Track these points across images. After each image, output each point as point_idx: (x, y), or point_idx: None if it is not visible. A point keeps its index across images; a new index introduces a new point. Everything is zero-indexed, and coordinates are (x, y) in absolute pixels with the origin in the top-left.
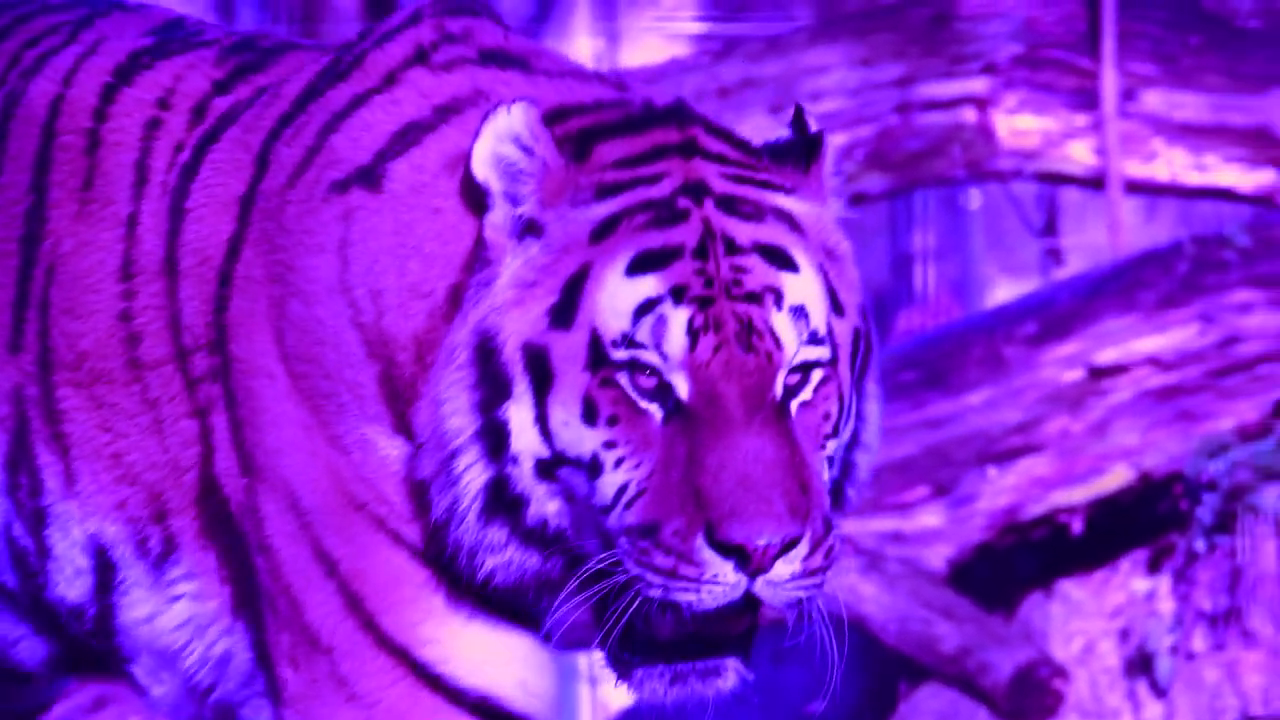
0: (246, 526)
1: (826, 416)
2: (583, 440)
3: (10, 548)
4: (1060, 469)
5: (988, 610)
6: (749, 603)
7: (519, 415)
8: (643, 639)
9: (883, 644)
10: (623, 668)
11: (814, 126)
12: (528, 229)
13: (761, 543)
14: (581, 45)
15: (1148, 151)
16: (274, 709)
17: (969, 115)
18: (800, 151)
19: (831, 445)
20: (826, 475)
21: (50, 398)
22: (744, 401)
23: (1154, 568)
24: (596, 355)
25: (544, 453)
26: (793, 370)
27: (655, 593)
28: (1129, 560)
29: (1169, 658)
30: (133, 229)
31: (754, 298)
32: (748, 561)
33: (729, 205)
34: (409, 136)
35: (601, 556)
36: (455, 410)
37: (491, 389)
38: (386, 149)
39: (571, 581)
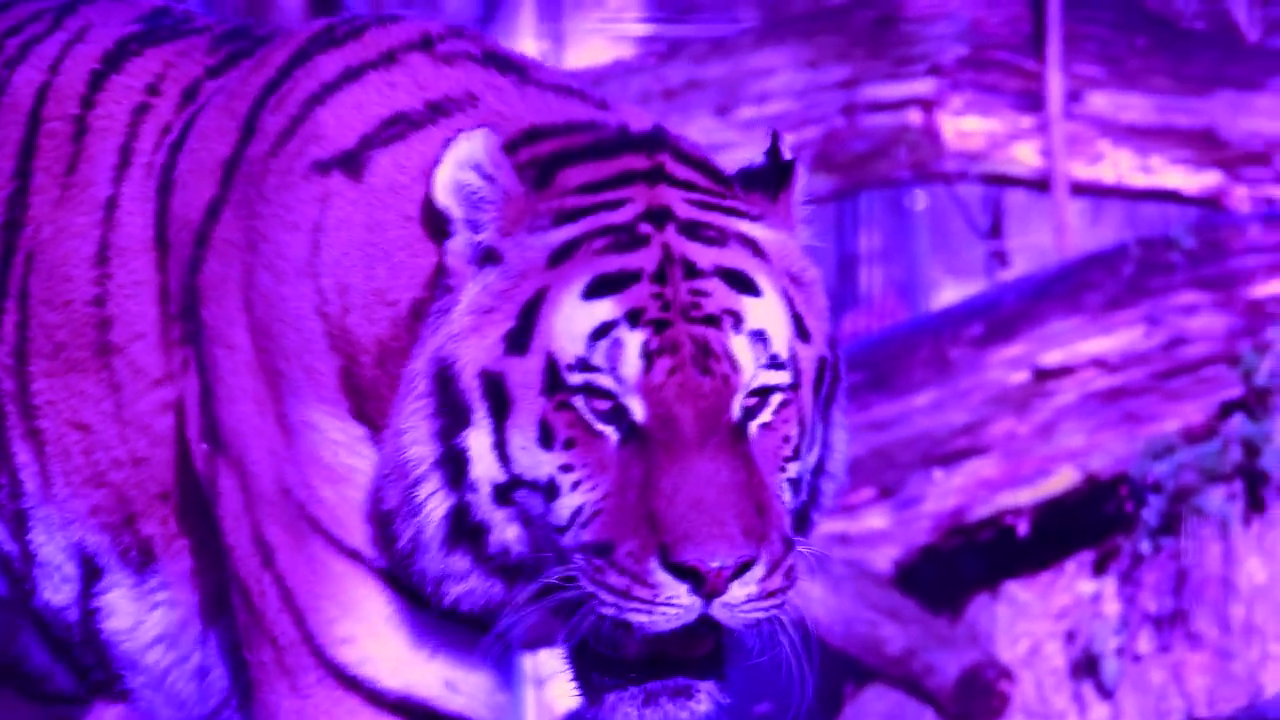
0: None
1: (786, 440)
2: (539, 464)
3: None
4: (1006, 471)
5: (934, 612)
6: (709, 625)
7: (478, 442)
8: (611, 661)
9: (828, 645)
10: (592, 692)
11: (787, 154)
12: (487, 256)
13: (715, 565)
14: (527, 47)
15: (1093, 153)
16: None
17: (914, 117)
18: (771, 178)
19: (793, 468)
20: (789, 497)
21: (26, 391)
22: (699, 424)
23: (1100, 570)
24: (552, 380)
25: (501, 477)
26: (752, 393)
27: (609, 610)
28: (1075, 562)
29: (1115, 659)
30: (111, 212)
31: (712, 321)
32: (702, 584)
33: (691, 230)
34: (397, 128)
35: (557, 570)
36: (416, 439)
37: (451, 417)
38: (373, 135)
39: (524, 594)
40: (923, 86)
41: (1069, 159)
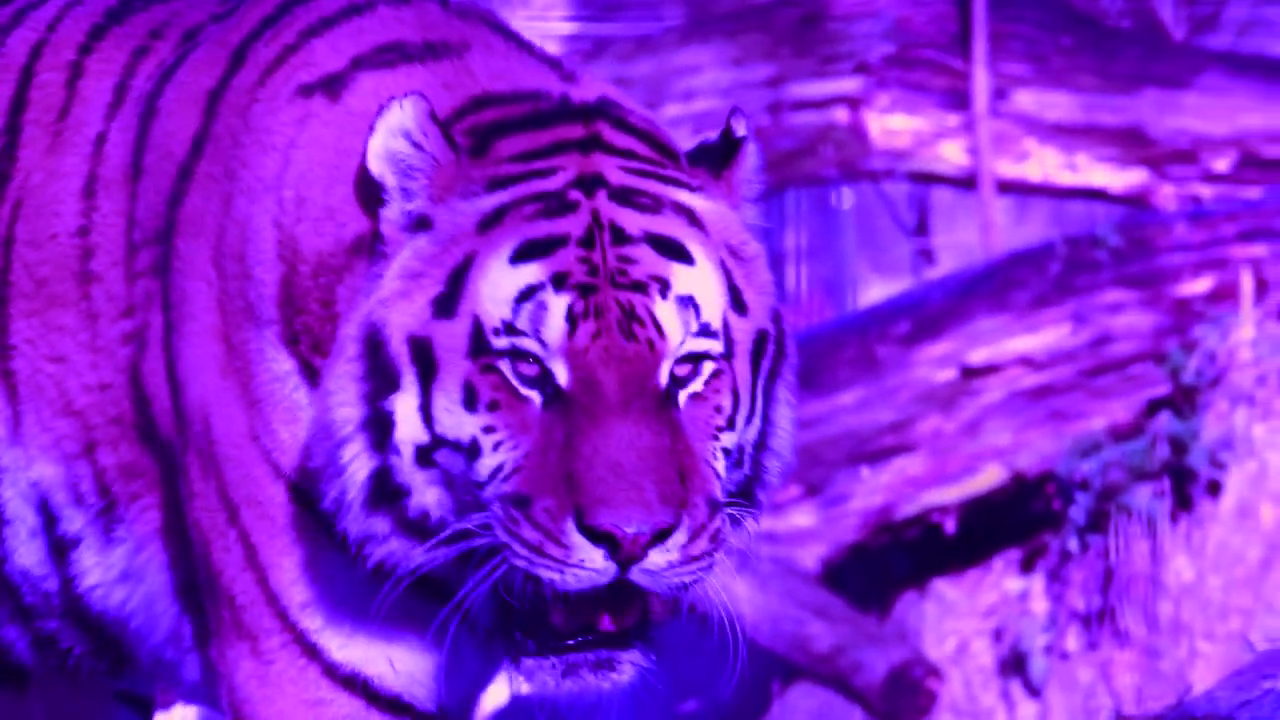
0: (170, 438)
1: (718, 409)
2: (462, 425)
3: None
4: (933, 468)
5: (861, 610)
6: (633, 591)
7: (404, 405)
8: (536, 629)
9: (756, 644)
10: (514, 657)
11: (739, 132)
12: (419, 223)
13: (630, 531)
14: None
15: (1019, 151)
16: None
17: (841, 115)
18: (718, 154)
19: (727, 438)
20: (722, 465)
21: (4, 332)
22: (623, 389)
23: (1027, 567)
24: (478, 343)
25: (423, 439)
26: (681, 360)
27: (520, 563)
28: (1002, 560)
29: (1042, 657)
30: (100, 146)
31: (639, 286)
32: (618, 549)
33: (623, 197)
34: (389, 56)
35: (472, 517)
36: (343, 401)
37: (380, 381)
38: (364, 58)
39: (434, 540)
40: (849, 85)
41: (995, 157)
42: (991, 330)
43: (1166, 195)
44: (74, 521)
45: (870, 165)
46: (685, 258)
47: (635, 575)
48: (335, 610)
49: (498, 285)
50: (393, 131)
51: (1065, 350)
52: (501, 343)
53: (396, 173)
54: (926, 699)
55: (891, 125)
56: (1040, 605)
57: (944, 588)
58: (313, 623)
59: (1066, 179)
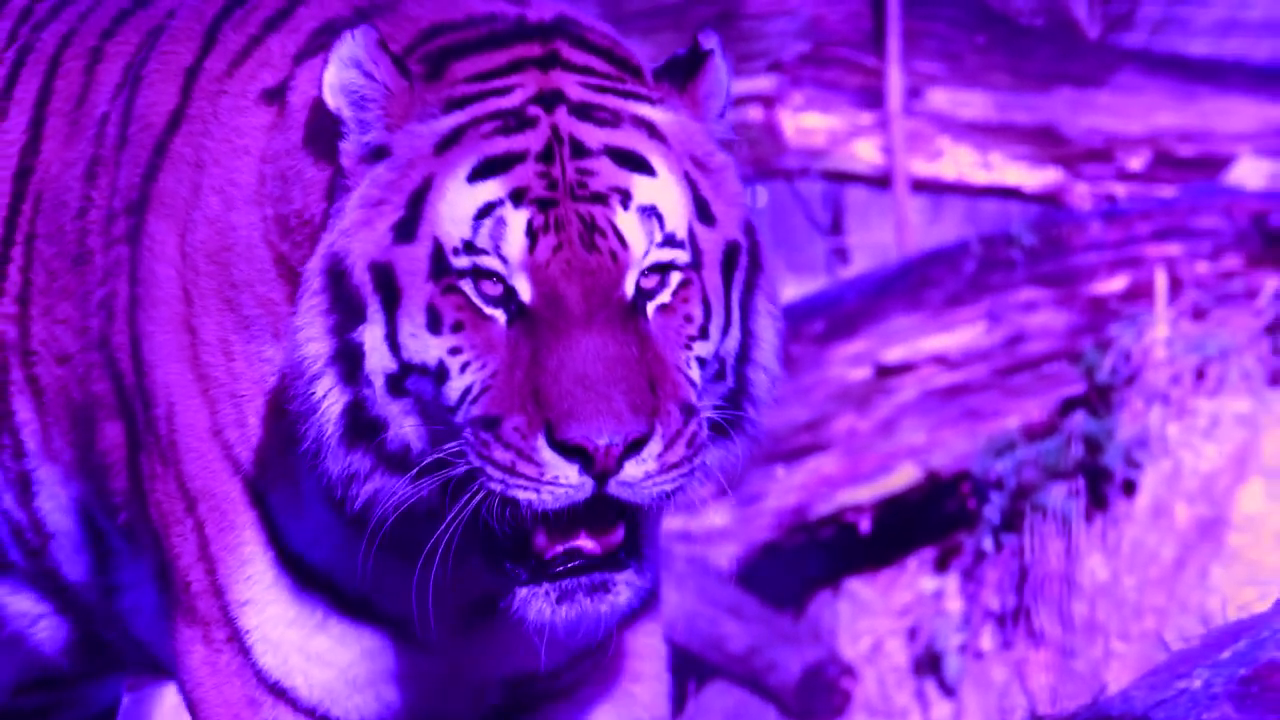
0: (136, 414)
1: (689, 319)
2: (428, 348)
3: (7, 521)
4: (848, 467)
5: (776, 609)
6: (614, 506)
7: (372, 335)
8: (526, 558)
9: (671, 643)
10: (505, 589)
11: (706, 46)
12: (376, 153)
13: (602, 442)
14: None
15: (934, 150)
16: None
17: (755, 113)
18: (684, 68)
19: (701, 347)
20: (698, 372)
21: (27, 337)
22: (587, 301)
23: (942, 567)
24: (439, 264)
25: (393, 367)
26: (648, 272)
27: (495, 486)
28: (917, 559)
29: (957, 657)
30: (103, 126)
31: (599, 198)
32: (591, 463)
33: (583, 112)
34: (321, 39)
35: (446, 446)
36: (311, 337)
37: (345, 312)
38: (302, 52)
39: (411, 473)
40: (763, 83)
41: (909, 156)
42: (906, 329)
43: (1081, 194)
44: (111, 534)
45: (785, 164)
46: (646, 169)
47: (614, 489)
48: (268, 614)
49: (456, 205)
50: (344, 62)
51: (980, 349)
52: (462, 262)
53: (351, 104)
54: (841, 698)
55: (806, 124)
56: (955, 604)
57: (858, 587)
58: (248, 623)
59: (981, 178)
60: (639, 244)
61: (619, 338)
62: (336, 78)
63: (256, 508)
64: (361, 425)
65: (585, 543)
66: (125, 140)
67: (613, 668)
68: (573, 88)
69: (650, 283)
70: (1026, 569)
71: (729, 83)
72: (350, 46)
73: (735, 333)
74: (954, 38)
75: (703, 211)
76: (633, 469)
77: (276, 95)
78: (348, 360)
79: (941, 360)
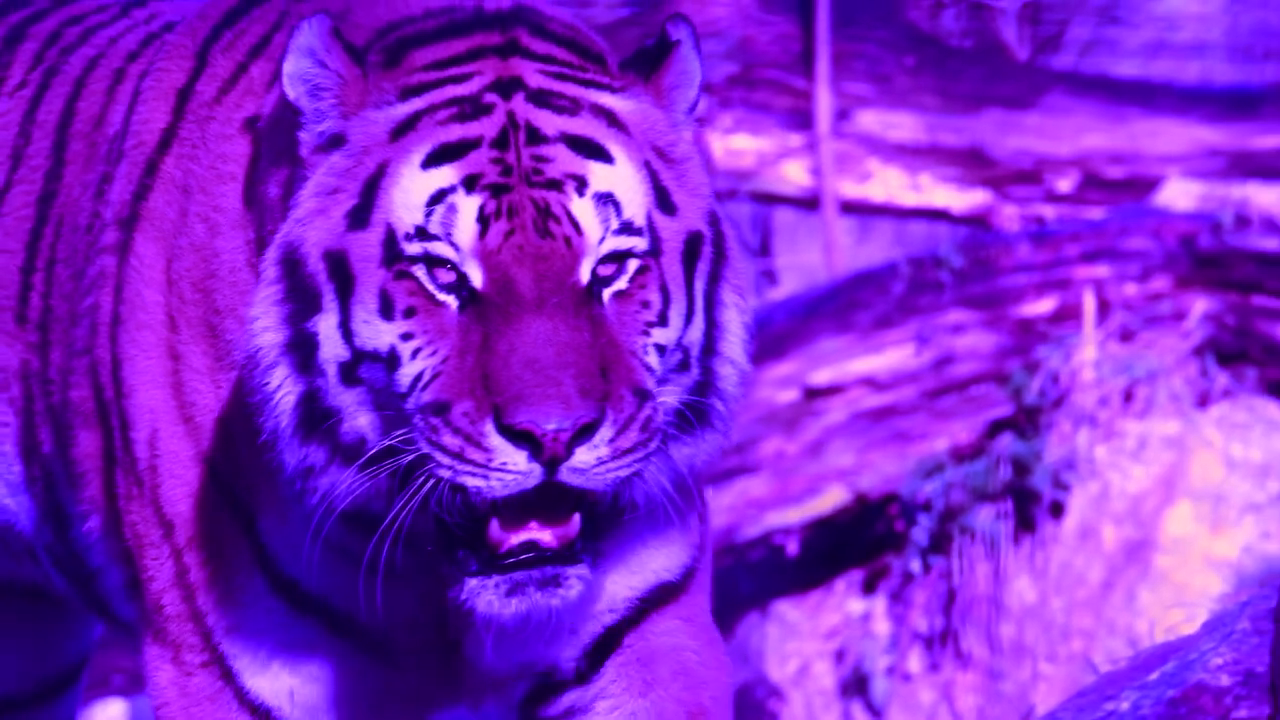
0: (114, 429)
1: (646, 304)
2: (380, 334)
3: (49, 554)
4: (776, 490)
5: None
6: (566, 494)
7: (326, 324)
8: (478, 548)
9: None
10: (455, 579)
11: (674, 36)
12: (332, 141)
13: (550, 427)
14: None
15: (862, 172)
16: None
17: None
18: (651, 58)
19: (659, 334)
20: (655, 359)
21: (47, 365)
22: (538, 286)
23: (869, 589)
24: (391, 251)
25: (345, 355)
26: (605, 260)
27: (444, 473)
28: (844, 581)
29: (884, 679)
30: (116, 144)
31: (554, 184)
32: (540, 450)
33: (541, 99)
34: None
35: (395, 434)
36: (265, 326)
37: (300, 302)
38: (272, 79)
39: (361, 460)
40: None
41: (838, 177)
42: (834, 351)
43: (1009, 216)
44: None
45: (713, 185)
46: (603, 156)
47: (565, 475)
48: (252, 638)
49: (409, 191)
50: (299, 51)
51: (908, 371)
52: (414, 248)
53: (306, 93)
54: None
55: (734, 145)
56: (882, 626)
57: (786, 609)
58: (232, 648)
59: (909, 199)
60: (594, 230)
61: (571, 323)
62: (293, 67)
63: (245, 535)
64: (316, 416)
65: (541, 534)
66: (121, 154)
67: (642, 674)
68: (531, 75)
69: (607, 270)
70: (954, 591)
71: (699, 74)
72: (305, 36)
73: (699, 322)
74: (883, 59)
75: (663, 200)
76: (584, 455)
77: (253, 124)
78: (302, 350)
79: (870, 382)
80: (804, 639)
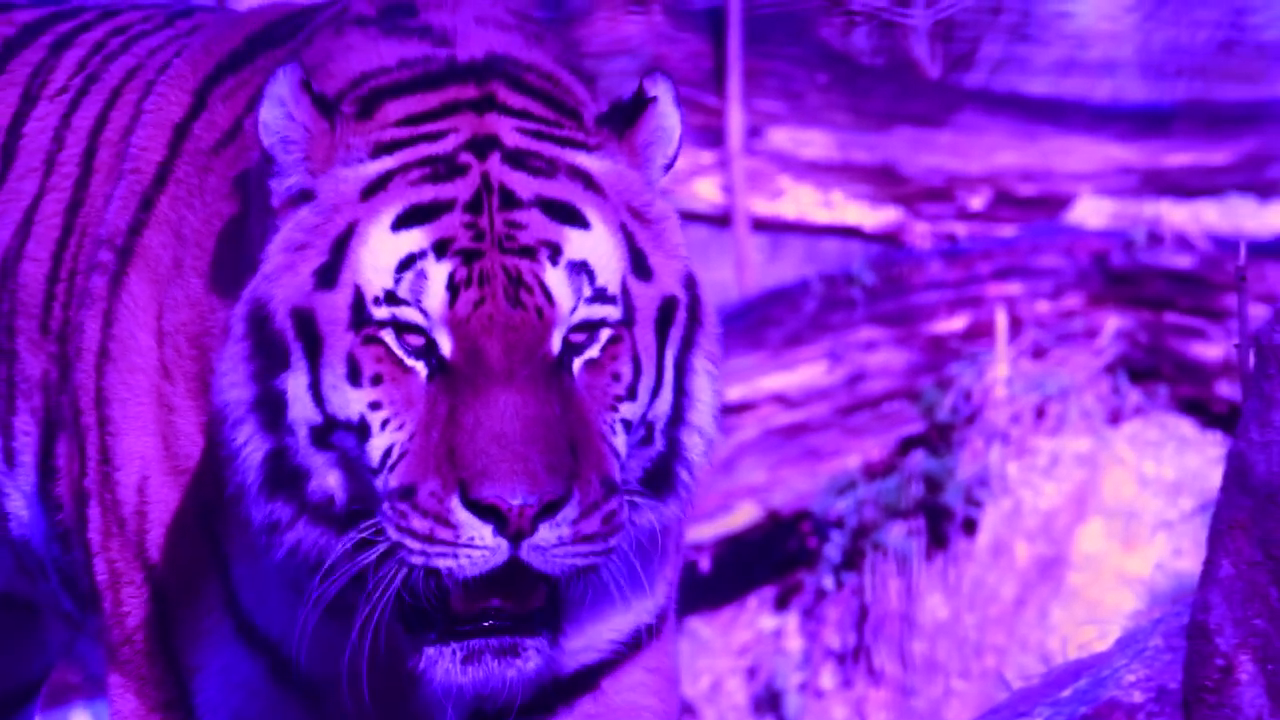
0: (88, 451)
1: (616, 377)
2: (349, 402)
3: (59, 574)
4: None
5: None
6: (532, 574)
7: (295, 384)
8: (434, 617)
9: None
10: (415, 645)
11: (650, 92)
12: (301, 196)
13: (516, 502)
14: None
15: (774, 189)
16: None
17: None
18: (626, 114)
19: (627, 409)
20: (622, 440)
21: (65, 376)
22: (507, 357)
23: (782, 605)
24: (359, 314)
25: (317, 419)
26: (576, 329)
27: (416, 559)
28: (757, 598)
29: (797, 695)
30: (118, 163)
31: (527, 251)
32: (505, 524)
33: (517, 160)
34: None
35: (363, 525)
36: (233, 383)
37: (267, 359)
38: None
39: (336, 552)
40: None
41: (750, 194)
42: (746, 368)
43: (921, 233)
44: None
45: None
46: (579, 222)
47: (526, 554)
48: (218, 679)
49: (379, 253)
50: (271, 100)
51: (820, 388)
52: (383, 313)
53: (277, 144)
54: None
55: None
56: (795, 643)
57: (698, 626)
58: (198, 686)
59: (821, 217)
60: (566, 300)
61: (540, 396)
62: (265, 115)
63: (219, 580)
64: (283, 474)
65: (501, 606)
66: (120, 175)
67: None
68: (508, 133)
69: (579, 339)
70: (867, 607)
71: (678, 129)
72: (278, 84)
73: (667, 395)
74: (795, 77)
75: (638, 265)
76: (546, 533)
77: (240, 183)
78: (269, 408)
79: (782, 399)
80: (716, 655)
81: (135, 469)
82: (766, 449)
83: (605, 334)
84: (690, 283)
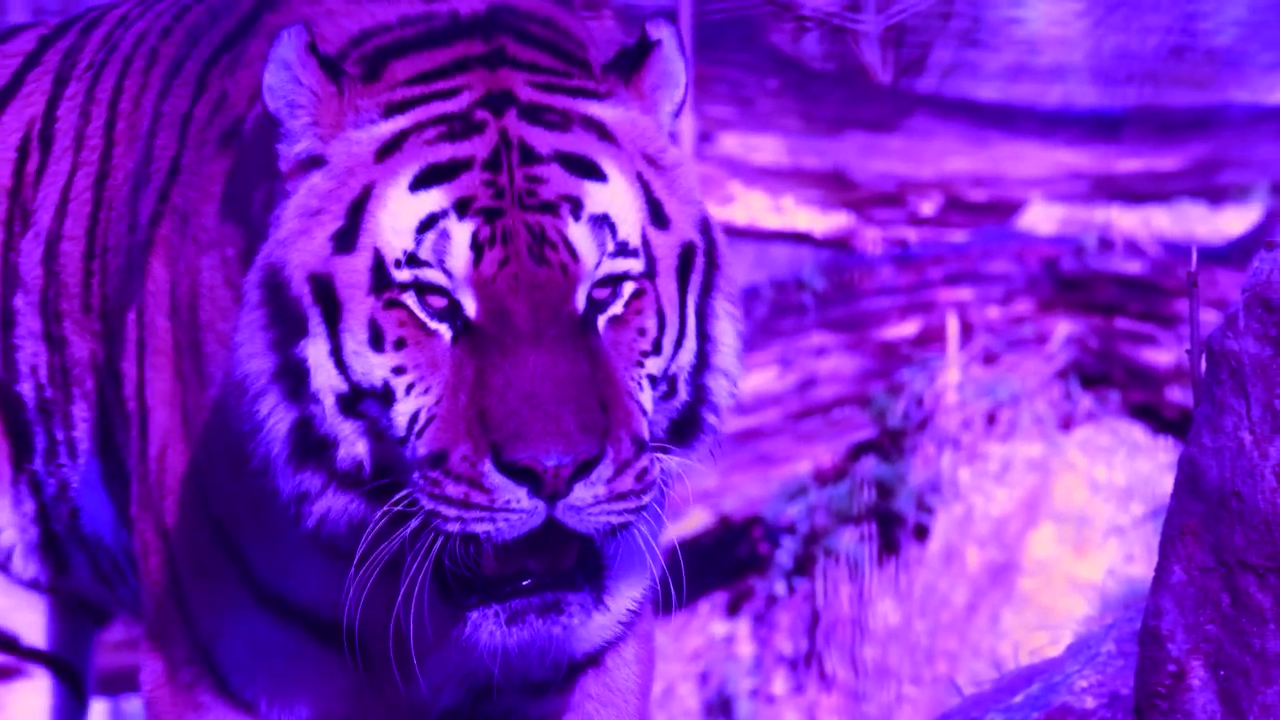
0: (133, 434)
1: (642, 332)
2: (373, 368)
3: (132, 564)
4: None
5: None
6: (565, 533)
7: (316, 351)
8: (476, 579)
9: None
10: (456, 612)
11: (654, 36)
12: (312, 161)
13: (550, 463)
14: None
15: (725, 194)
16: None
17: None
18: (632, 59)
19: (653, 363)
20: (649, 395)
21: (112, 359)
22: (534, 317)
23: (733, 611)
24: (380, 278)
25: (343, 387)
26: (600, 284)
27: (453, 527)
28: (708, 603)
29: (748, 701)
30: (152, 139)
31: (549, 208)
32: (540, 485)
33: (533, 114)
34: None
35: (397, 497)
36: (252, 353)
37: (285, 326)
38: (254, 93)
39: (371, 527)
40: None
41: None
42: None
43: (872, 239)
44: None
45: None
46: (598, 175)
47: (562, 514)
48: (235, 642)
49: (398, 215)
50: (278, 64)
51: (771, 394)
52: (404, 276)
53: (284, 108)
54: None
55: None
56: (746, 649)
57: None
58: (216, 651)
59: (772, 222)
60: (590, 256)
61: (569, 355)
62: (271, 79)
63: (229, 556)
64: (310, 443)
65: (537, 566)
66: (148, 178)
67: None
68: (522, 88)
69: (602, 294)
70: (818, 613)
71: (684, 75)
72: (284, 47)
73: (690, 344)
74: (745, 82)
75: (656, 214)
76: (582, 492)
77: (229, 137)
78: (292, 376)
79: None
80: (668, 661)
81: (159, 440)
82: (718, 454)
83: (629, 288)
84: (705, 227)
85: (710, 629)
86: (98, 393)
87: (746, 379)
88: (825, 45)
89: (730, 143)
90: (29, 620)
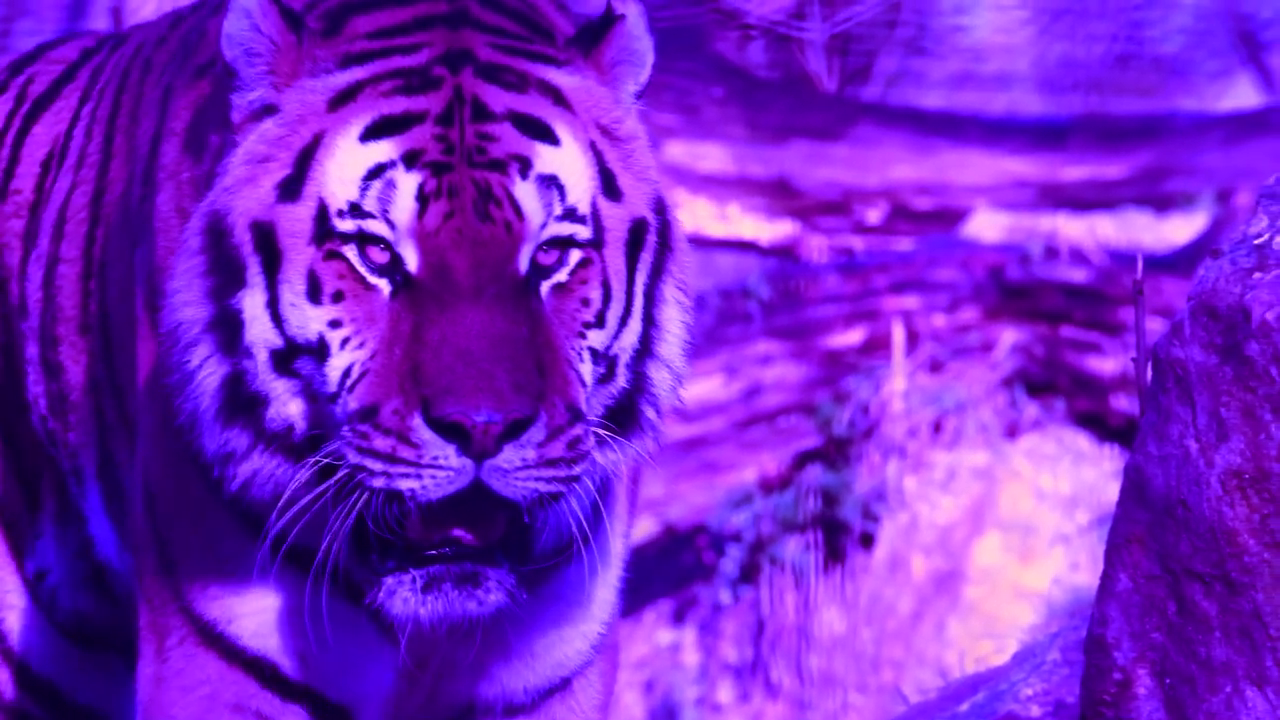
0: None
1: (586, 302)
2: (309, 321)
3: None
4: None
5: None
6: (495, 501)
7: (252, 302)
8: (397, 542)
9: None
10: (371, 578)
11: (618, 10)
12: (264, 110)
13: (480, 419)
14: None
15: (670, 202)
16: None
17: None
18: (594, 32)
19: (595, 336)
20: (589, 368)
21: (114, 372)
22: (475, 274)
23: (678, 619)
24: (322, 227)
25: (277, 342)
26: (546, 247)
27: (378, 482)
28: (654, 611)
29: (694, 709)
30: (155, 147)
31: (498, 165)
32: (469, 443)
33: (490, 74)
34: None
35: (324, 450)
36: (187, 301)
37: (224, 275)
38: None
39: (294, 483)
40: None
41: None
42: None
43: (817, 247)
44: None
45: None
46: (550, 138)
47: (488, 475)
48: (245, 603)
49: (345, 164)
50: (237, 12)
51: (717, 402)
52: (347, 225)
53: (241, 56)
54: None
55: None
56: (692, 657)
57: None
58: (218, 612)
59: (717, 230)
60: (536, 216)
61: (507, 314)
62: (230, 26)
63: (212, 497)
64: (241, 400)
65: (462, 534)
66: (132, 178)
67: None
68: (481, 48)
69: (548, 259)
70: (763, 622)
71: (649, 54)
72: None
73: (635, 324)
74: (690, 90)
75: (608, 185)
76: (510, 454)
77: (208, 67)
78: (226, 328)
79: (678, 413)
80: None
81: (143, 422)
82: (663, 462)
83: (575, 256)
84: (660, 207)
85: (655, 637)
86: (96, 415)
87: (691, 387)
88: (770, 53)
89: (675, 150)
90: (69, 670)
